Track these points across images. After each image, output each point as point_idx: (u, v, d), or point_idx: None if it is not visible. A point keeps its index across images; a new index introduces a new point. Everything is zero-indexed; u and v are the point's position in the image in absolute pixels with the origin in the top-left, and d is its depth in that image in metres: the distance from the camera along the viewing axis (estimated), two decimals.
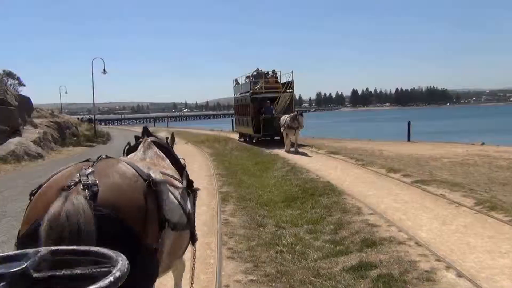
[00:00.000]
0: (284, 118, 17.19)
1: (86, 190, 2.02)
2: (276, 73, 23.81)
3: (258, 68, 23.91)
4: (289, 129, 16.59)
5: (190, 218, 2.83)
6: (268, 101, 21.31)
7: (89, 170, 2.16)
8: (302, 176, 11.28)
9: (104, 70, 31.19)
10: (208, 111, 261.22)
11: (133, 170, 2.34)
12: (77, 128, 28.95)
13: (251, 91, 22.20)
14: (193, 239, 3.04)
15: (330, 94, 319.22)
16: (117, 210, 2.06)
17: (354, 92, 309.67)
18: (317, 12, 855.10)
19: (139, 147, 3.15)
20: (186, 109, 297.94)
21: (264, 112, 21.04)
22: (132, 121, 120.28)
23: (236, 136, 29.45)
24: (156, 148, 3.17)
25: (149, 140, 3.24)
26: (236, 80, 27.46)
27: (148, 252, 2.17)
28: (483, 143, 22.45)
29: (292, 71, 22.18)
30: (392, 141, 25.56)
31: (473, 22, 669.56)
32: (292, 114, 16.85)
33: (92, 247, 1.17)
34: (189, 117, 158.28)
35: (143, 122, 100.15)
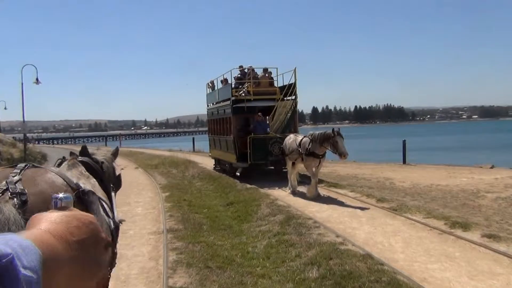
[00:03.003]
0: (299, 140, 10.95)
1: (15, 199, 1.99)
2: (271, 72, 15.88)
3: (241, 66, 15.91)
4: (311, 158, 10.37)
5: (113, 237, 2.72)
6: (260, 113, 14.49)
7: (17, 177, 2.13)
8: (313, 237, 6.73)
9: (37, 79, 25.72)
10: (168, 128, 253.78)
11: (62, 179, 2.32)
12: None
13: (234, 97, 14.85)
14: (112, 261, 2.79)
15: None
16: None
17: (315, 109, 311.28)
18: (273, 30, 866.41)
19: (63, 165, 2.85)
20: (146, 127, 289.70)
21: (253, 129, 14.24)
22: (87, 139, 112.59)
23: (198, 159, 24.63)
24: (82, 168, 2.89)
25: (76, 160, 2.96)
26: (210, 84, 19.54)
27: None
28: (493, 166, 19.19)
29: (295, 68, 14.64)
30: (385, 163, 21.64)
31: (425, 42, 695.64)
32: (323, 132, 10.24)
33: None
34: (148, 135, 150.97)
35: (99, 140, 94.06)
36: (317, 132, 10.49)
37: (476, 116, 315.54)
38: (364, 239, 6.57)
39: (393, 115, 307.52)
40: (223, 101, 16.30)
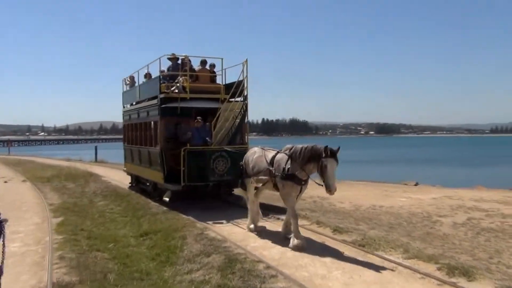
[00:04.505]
0: (270, 156, 7.54)
1: None
2: (213, 65, 11.91)
3: (174, 54, 11.71)
4: (290, 183, 6.97)
5: None
6: (200, 118, 10.81)
7: None
8: None
9: None
10: (68, 135, 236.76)
11: None
12: None
13: (163, 95, 11.01)
14: None
15: None
16: None
17: None
18: (184, 43, 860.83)
19: None
20: (43, 133, 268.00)
21: (189, 138, 10.57)
22: None
23: (101, 171, 21.47)
24: None
25: None
26: (129, 80, 15.10)
27: None
28: (417, 183, 19.06)
29: (246, 60, 10.96)
30: None
31: (329, 57, 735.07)
32: (310, 147, 6.77)
33: None
34: (45, 141, 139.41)
35: None
36: (299, 146, 6.99)
37: (372, 132, 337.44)
38: None
39: (298, 128, 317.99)
40: (148, 100, 12.40)
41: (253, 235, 7.68)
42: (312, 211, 10.07)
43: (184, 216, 9.24)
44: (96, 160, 31.51)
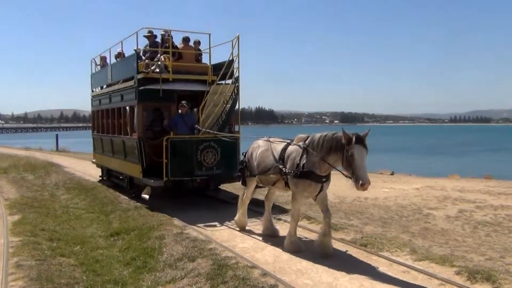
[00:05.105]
0: (279, 149, 6.29)
1: None
2: (198, 42, 10.38)
3: (151, 31, 10.18)
4: (307, 182, 5.68)
5: None
6: (185, 102, 9.35)
7: None
8: None
9: None
10: (27, 123, 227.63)
11: None
12: None
13: (141, 75, 9.42)
14: None
15: None
16: None
17: None
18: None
19: None
20: (0, 121, 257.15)
21: (173, 125, 9.22)
22: None
23: (63, 161, 20.10)
24: None
25: None
26: (100, 60, 13.30)
27: None
28: (393, 173, 18.93)
29: (237, 36, 9.42)
30: None
31: (293, 52, 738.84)
32: (330, 135, 5.50)
33: None
34: (2, 130, 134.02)
35: None
36: (317, 135, 5.71)
37: (337, 121, 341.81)
38: None
39: (264, 117, 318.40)
40: (122, 81, 10.67)
41: (240, 234, 6.91)
42: None
43: (158, 213, 8.34)
44: (57, 149, 29.85)
